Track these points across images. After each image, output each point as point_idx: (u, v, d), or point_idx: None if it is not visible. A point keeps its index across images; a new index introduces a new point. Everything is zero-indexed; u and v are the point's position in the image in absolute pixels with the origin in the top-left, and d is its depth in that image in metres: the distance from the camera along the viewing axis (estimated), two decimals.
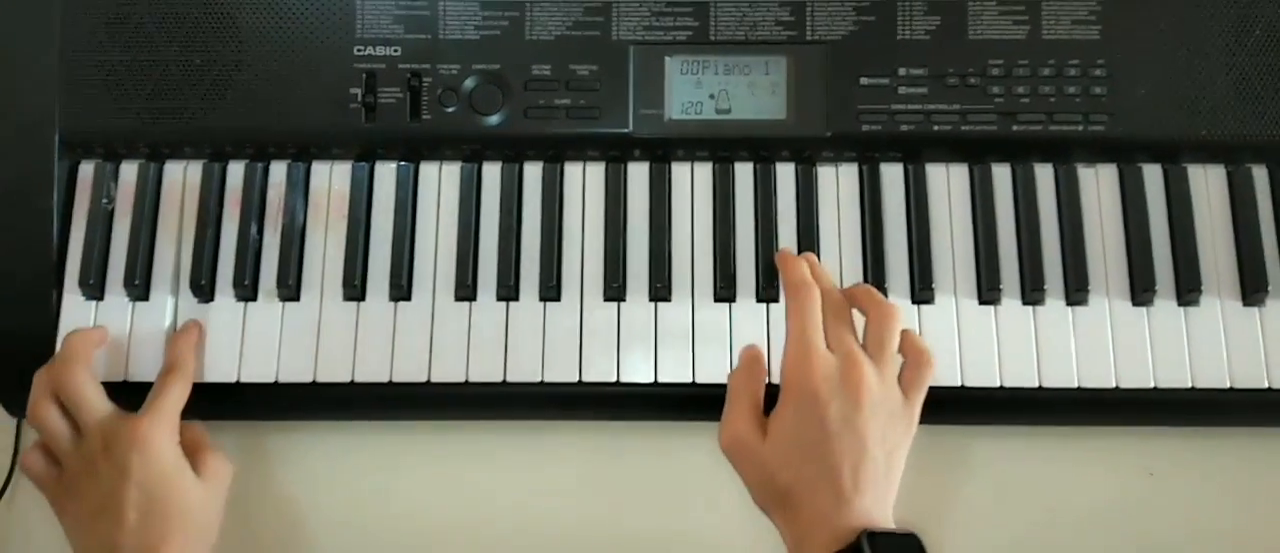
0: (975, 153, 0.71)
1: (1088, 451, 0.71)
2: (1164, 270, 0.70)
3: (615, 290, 0.70)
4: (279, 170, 0.73)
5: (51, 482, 0.65)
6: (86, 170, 0.72)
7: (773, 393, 0.63)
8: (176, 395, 0.66)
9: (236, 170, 0.73)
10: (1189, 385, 0.68)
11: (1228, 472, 0.71)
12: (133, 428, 0.63)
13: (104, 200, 0.72)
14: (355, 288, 0.70)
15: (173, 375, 0.67)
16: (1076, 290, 0.69)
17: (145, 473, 0.62)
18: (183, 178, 0.73)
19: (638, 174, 0.72)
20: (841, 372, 0.60)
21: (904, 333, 0.63)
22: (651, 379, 0.69)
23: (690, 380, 0.69)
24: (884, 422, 0.60)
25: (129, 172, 0.72)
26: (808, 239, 0.71)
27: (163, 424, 0.64)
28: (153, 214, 0.72)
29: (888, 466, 0.61)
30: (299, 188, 0.72)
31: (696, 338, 0.70)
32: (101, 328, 0.70)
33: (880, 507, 0.60)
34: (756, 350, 0.66)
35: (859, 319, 0.64)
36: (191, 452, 0.66)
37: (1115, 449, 0.71)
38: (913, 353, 0.63)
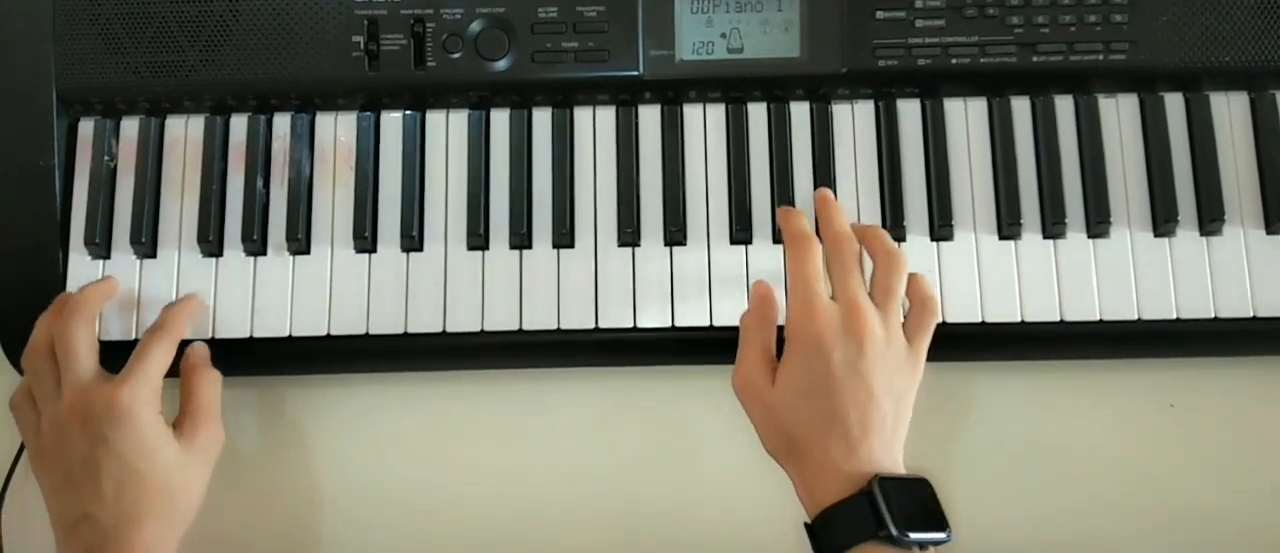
0: (994, 86, 0.70)
1: (1109, 384, 0.71)
2: (1186, 200, 0.69)
3: (629, 236, 0.69)
4: (283, 122, 0.71)
5: (31, 431, 0.64)
6: (86, 128, 0.71)
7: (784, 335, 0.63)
8: (159, 358, 0.63)
9: (239, 124, 0.71)
10: (1212, 315, 0.67)
11: (1249, 401, 0.71)
12: (110, 395, 0.61)
13: (106, 158, 0.70)
14: (366, 240, 0.69)
15: (156, 335, 0.64)
16: (1098, 223, 0.68)
17: (121, 444, 0.60)
18: (185, 133, 0.71)
19: (649, 117, 0.71)
20: (845, 320, 0.61)
21: (912, 278, 0.64)
22: (668, 324, 0.68)
23: (707, 324, 0.68)
24: (890, 368, 0.61)
25: (130, 128, 0.71)
26: (824, 178, 0.70)
27: (143, 391, 0.62)
28: (156, 170, 0.71)
29: (896, 412, 0.61)
30: (304, 140, 0.71)
31: (713, 282, 0.69)
32: (112, 279, 0.68)
33: (889, 452, 0.60)
34: (767, 289, 0.66)
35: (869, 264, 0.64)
36: (190, 414, 0.64)
37: (1136, 382, 0.71)
38: (918, 298, 0.64)
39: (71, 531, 0.61)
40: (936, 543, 0.58)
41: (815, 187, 0.69)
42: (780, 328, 0.64)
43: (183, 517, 0.63)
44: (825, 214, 0.66)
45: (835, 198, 0.67)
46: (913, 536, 0.56)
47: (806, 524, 0.60)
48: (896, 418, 0.61)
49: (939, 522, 0.58)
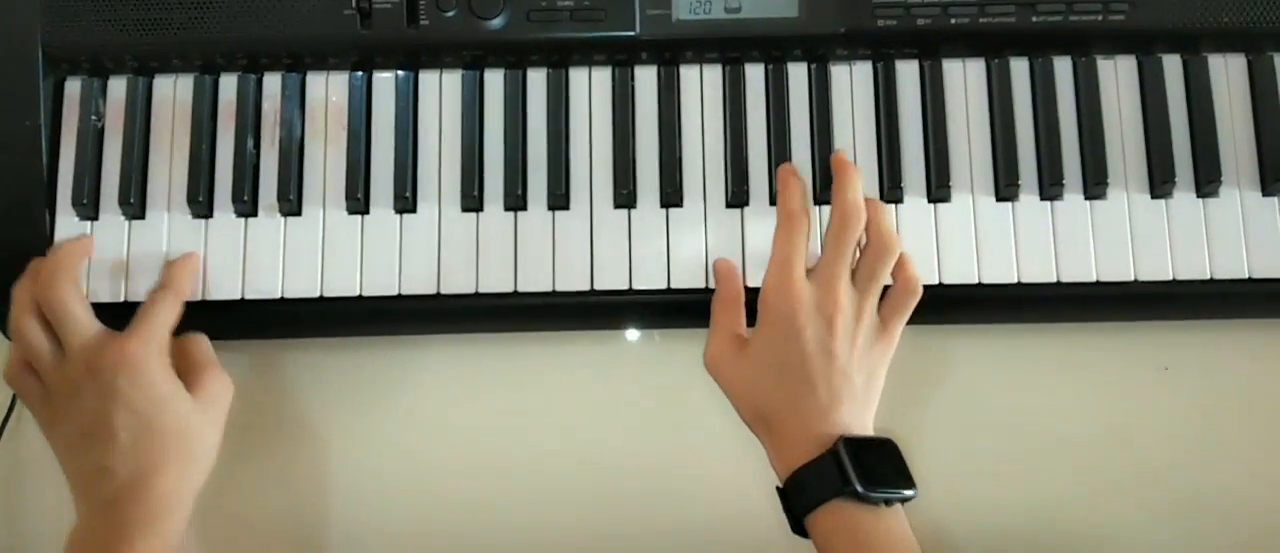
0: (993, 47, 0.70)
1: (1104, 346, 0.71)
2: (1183, 162, 0.69)
3: (625, 197, 0.69)
4: (273, 82, 0.70)
5: (36, 398, 0.63)
6: (73, 87, 0.70)
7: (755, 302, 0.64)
8: (166, 314, 0.63)
9: (229, 83, 0.70)
10: (1208, 277, 0.67)
11: (1243, 363, 0.71)
12: (119, 349, 0.60)
13: (93, 117, 0.69)
14: (358, 201, 0.68)
15: (163, 292, 0.64)
16: (1095, 184, 0.68)
17: (135, 395, 0.60)
18: (173, 92, 0.70)
19: (645, 78, 0.70)
20: (817, 299, 0.62)
21: (900, 259, 0.65)
22: (664, 286, 0.68)
23: (703, 286, 0.68)
24: (861, 345, 0.63)
25: (117, 87, 0.70)
26: (822, 140, 0.69)
27: (151, 344, 0.61)
28: (144, 130, 0.70)
29: (866, 384, 0.63)
30: (294, 100, 0.70)
31: (709, 244, 0.68)
32: (88, 237, 0.67)
33: (857, 417, 0.62)
34: (728, 266, 0.67)
35: None
36: (191, 370, 0.64)
37: (1130, 344, 0.71)
38: (902, 281, 0.65)
39: (89, 486, 0.60)
40: (902, 499, 0.59)
41: (813, 148, 0.69)
42: (754, 289, 0.65)
43: (200, 467, 0.62)
44: (842, 180, 0.66)
45: (855, 165, 0.67)
46: (877, 492, 0.58)
47: (778, 488, 0.62)
48: (867, 390, 0.63)
49: (904, 479, 0.60)
